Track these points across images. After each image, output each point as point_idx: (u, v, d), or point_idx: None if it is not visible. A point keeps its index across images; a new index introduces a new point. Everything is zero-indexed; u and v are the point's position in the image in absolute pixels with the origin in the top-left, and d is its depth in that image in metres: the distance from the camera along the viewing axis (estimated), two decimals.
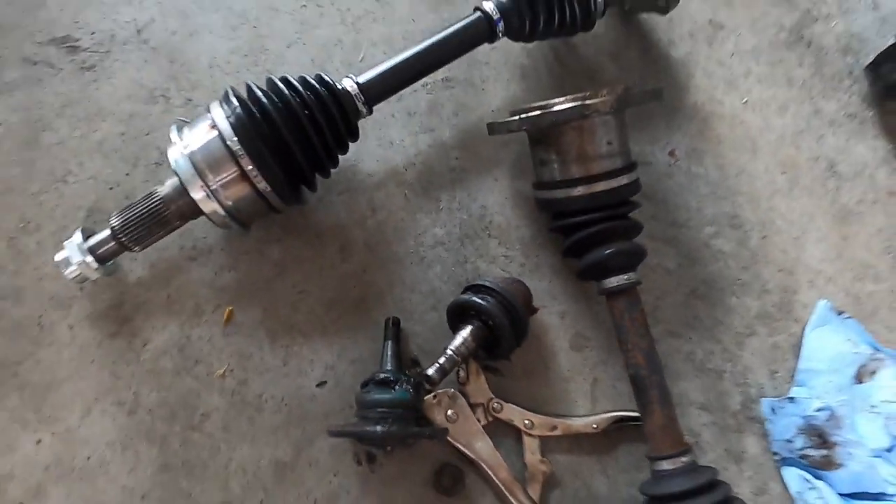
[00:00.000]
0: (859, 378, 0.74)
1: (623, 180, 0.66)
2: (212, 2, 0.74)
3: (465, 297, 0.66)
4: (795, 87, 0.84)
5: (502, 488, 0.66)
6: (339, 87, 0.64)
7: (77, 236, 0.62)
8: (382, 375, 0.63)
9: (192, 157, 0.60)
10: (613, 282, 0.66)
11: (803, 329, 0.76)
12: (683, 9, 0.81)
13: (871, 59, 0.83)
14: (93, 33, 0.71)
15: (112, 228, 0.62)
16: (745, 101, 0.82)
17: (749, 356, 0.75)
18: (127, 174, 0.69)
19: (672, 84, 0.81)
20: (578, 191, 0.66)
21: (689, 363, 0.74)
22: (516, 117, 0.66)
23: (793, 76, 0.84)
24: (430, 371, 0.63)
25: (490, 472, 0.66)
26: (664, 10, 0.76)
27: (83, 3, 0.72)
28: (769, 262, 0.78)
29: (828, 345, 0.75)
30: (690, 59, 0.82)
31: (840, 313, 0.77)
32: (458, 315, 0.67)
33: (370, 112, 0.66)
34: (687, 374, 0.74)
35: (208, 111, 0.61)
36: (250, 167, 0.59)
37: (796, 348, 0.76)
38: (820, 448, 0.70)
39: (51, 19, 0.71)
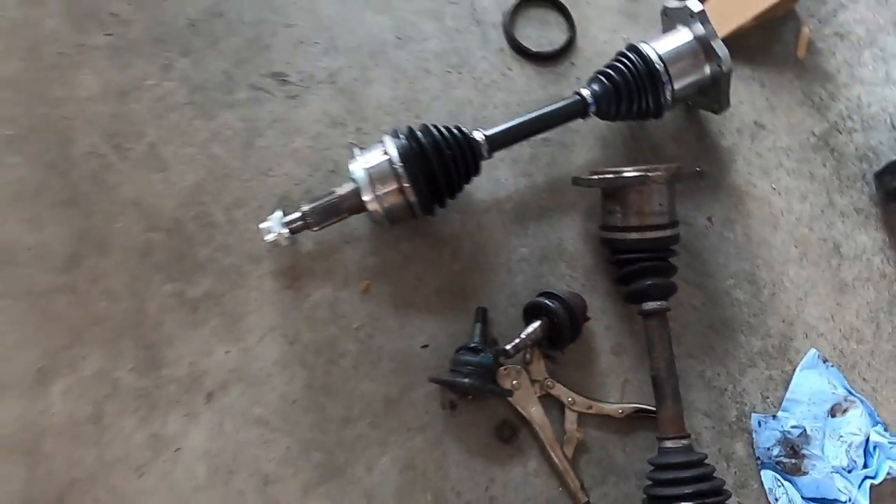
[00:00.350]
0: (833, 413, 0.95)
1: (667, 233, 0.89)
2: (384, 61, 1.01)
3: (539, 299, 0.90)
4: (816, 181, 1.06)
5: (546, 445, 0.88)
6: (472, 136, 0.90)
7: (279, 213, 0.88)
8: (473, 344, 0.87)
9: (368, 171, 0.86)
10: (650, 306, 0.89)
11: (794, 369, 0.97)
12: (735, 110, 1.05)
13: (879, 168, 1.05)
14: (299, 73, 0.99)
15: (303, 211, 0.88)
16: (774, 187, 1.05)
17: (748, 382, 0.96)
18: (309, 175, 0.95)
19: (717, 166, 1.04)
20: (633, 236, 0.89)
21: (700, 379, 0.96)
22: (595, 176, 0.91)
23: (815, 173, 1.06)
24: (508, 346, 0.87)
25: (539, 431, 0.88)
26: (718, 111, 0.99)
27: (295, 51, 0.99)
28: (775, 313, 1.00)
29: (812, 383, 0.96)
30: (735, 148, 1.05)
31: (825, 361, 0.98)
32: (531, 312, 0.91)
33: (490, 157, 0.91)
34: (697, 388, 0.95)
35: (382, 142, 0.87)
36: (407, 185, 0.85)
37: (786, 383, 0.96)
38: (791, 457, 0.91)
39: (272, 59, 0.99)
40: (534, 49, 1.04)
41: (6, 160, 0.90)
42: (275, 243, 0.88)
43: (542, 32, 1.06)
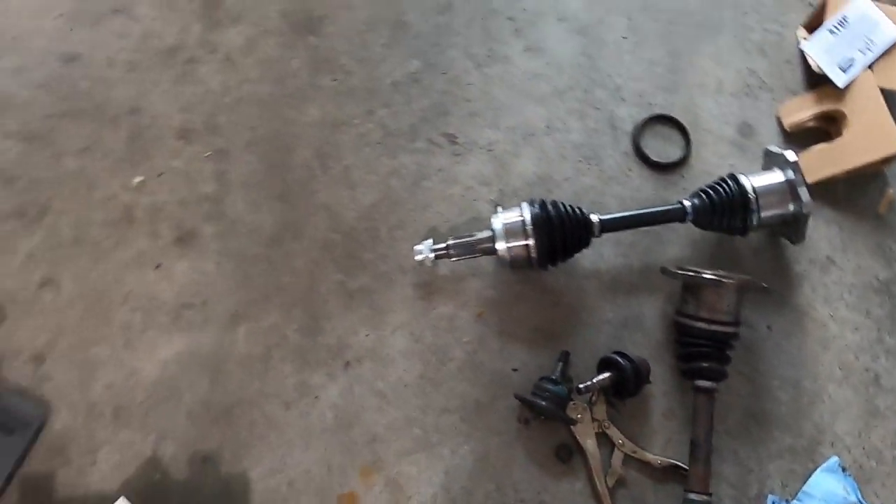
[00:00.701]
0: None
1: (729, 329, 1.09)
2: (533, 142, 1.27)
3: (613, 356, 1.11)
4: (871, 319, 1.23)
5: (593, 472, 1.08)
6: (589, 217, 1.14)
7: (429, 241, 1.14)
8: (553, 377, 1.10)
9: (504, 226, 1.11)
10: (702, 383, 1.09)
11: (815, 469, 1.14)
12: (811, 242, 1.24)
13: None
14: (466, 137, 1.27)
15: (447, 244, 1.13)
16: (832, 314, 1.23)
17: (773, 469, 1.14)
18: (456, 217, 1.22)
19: (786, 285, 1.23)
20: (700, 325, 1.09)
21: (732, 456, 1.14)
22: (680, 271, 1.13)
23: (871, 311, 1.23)
24: (581, 385, 1.09)
25: (590, 460, 1.09)
26: (794, 242, 1.19)
27: (467, 121, 1.28)
28: (809, 419, 1.17)
29: (828, 485, 1.12)
30: (805, 274, 1.24)
31: (845, 470, 1.14)
32: (605, 364, 1.13)
33: (600, 236, 1.15)
34: (729, 462, 1.13)
35: (520, 206, 1.13)
36: (532, 243, 1.09)
37: (805, 478, 1.13)
38: None
39: (448, 123, 1.27)
40: (653, 158, 1.28)
41: (244, 157, 1.22)
42: (421, 262, 1.14)
43: (663, 146, 1.30)
